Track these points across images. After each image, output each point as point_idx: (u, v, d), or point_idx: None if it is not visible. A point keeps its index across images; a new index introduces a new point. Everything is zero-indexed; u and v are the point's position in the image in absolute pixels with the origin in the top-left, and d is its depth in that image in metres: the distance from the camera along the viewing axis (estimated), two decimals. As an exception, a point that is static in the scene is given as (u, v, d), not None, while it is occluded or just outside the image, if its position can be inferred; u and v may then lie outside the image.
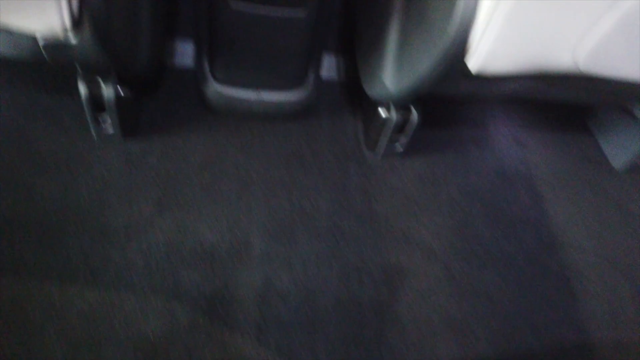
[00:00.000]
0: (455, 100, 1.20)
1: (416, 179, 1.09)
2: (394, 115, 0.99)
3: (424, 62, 0.74)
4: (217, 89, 1.01)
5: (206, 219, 0.94)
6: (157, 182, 0.96)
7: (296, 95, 1.04)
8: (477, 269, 0.99)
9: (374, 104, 1.02)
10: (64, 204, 0.90)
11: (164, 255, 0.87)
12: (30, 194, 0.90)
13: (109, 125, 0.95)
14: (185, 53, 1.16)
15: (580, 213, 1.13)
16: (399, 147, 1.08)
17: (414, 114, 0.99)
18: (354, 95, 1.18)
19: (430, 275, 0.96)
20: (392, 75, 0.88)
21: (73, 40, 0.67)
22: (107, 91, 0.87)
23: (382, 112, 1.00)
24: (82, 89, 0.86)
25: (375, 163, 1.10)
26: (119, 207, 0.92)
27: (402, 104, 0.98)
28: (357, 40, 1.08)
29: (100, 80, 0.87)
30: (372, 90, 0.97)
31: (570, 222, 1.11)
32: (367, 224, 1.01)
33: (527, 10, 0.61)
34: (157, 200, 0.94)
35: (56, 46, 0.68)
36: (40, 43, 0.67)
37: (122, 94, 0.89)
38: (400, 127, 1.03)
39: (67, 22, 0.62)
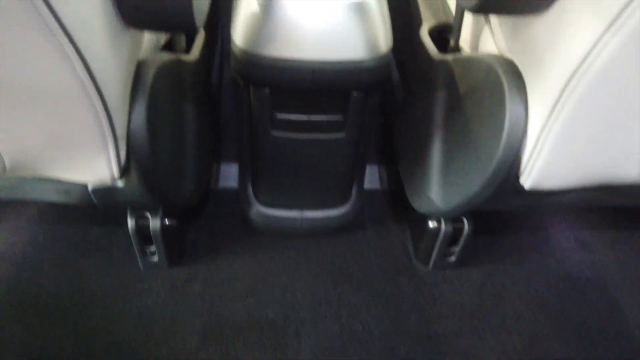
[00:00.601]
0: (509, 213, 1.14)
1: (474, 292, 1.01)
2: (444, 226, 0.94)
3: (473, 181, 0.70)
4: (261, 211, 1.01)
5: (252, 349, 0.89)
6: (201, 310, 0.93)
7: (340, 210, 1.02)
8: (556, 395, 0.87)
9: (422, 214, 0.98)
10: (109, 339, 0.88)
11: (209, 395, 0.82)
12: (76, 328, 0.89)
13: (154, 254, 0.96)
14: (228, 175, 1.18)
15: (667, 321, 1.00)
16: (452, 258, 1.02)
17: (466, 225, 0.94)
18: (399, 205, 1.15)
19: (503, 405, 0.85)
20: (439, 193, 0.85)
21: (121, 184, 0.68)
22: (154, 223, 0.88)
23: (432, 223, 0.96)
24: (130, 223, 0.88)
25: (427, 276, 1.03)
26: (163, 339, 0.88)
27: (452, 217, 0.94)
28: (398, 153, 1.07)
29: (147, 213, 0.88)
30: (419, 205, 0.94)
31: (657, 332, 0.98)
32: (425, 346, 0.92)
33: (583, 126, 0.58)
34: (202, 330, 0.90)
35: (105, 191, 0.70)
36: (90, 189, 0.70)
37: (167, 223, 0.90)
38: (452, 238, 0.97)
39: (116, 171, 0.64)
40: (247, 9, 0.72)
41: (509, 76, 0.61)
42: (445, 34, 0.89)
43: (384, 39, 0.74)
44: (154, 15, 0.54)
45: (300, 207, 1.01)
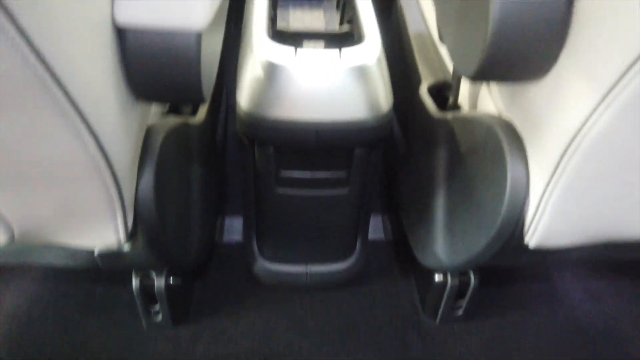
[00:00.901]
0: (516, 270, 1.13)
1: (483, 346, 0.99)
2: (450, 280, 0.93)
3: (477, 239, 0.71)
4: (266, 267, 1.00)
5: (258, 412, 0.86)
6: (206, 371, 0.92)
7: (345, 264, 1.02)
8: None
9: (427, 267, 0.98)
10: (111, 404, 0.86)
11: None
12: (79, 394, 0.87)
13: (159, 314, 0.95)
14: (232, 229, 1.18)
15: (684, 374, 0.97)
16: (459, 311, 1.01)
17: (473, 278, 0.93)
18: (404, 254, 1.14)
19: None
20: (444, 249, 0.85)
21: (127, 249, 0.69)
22: (158, 283, 0.88)
23: (438, 277, 0.95)
24: (135, 283, 0.88)
25: (435, 330, 1.02)
26: (167, 404, 0.86)
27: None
28: (402, 206, 1.07)
29: (152, 272, 0.88)
30: (424, 259, 0.93)
31: (674, 386, 0.95)
32: (435, 405, 0.90)
33: (585, 188, 0.58)
34: (207, 393, 0.88)
35: (111, 256, 0.70)
36: (96, 254, 0.70)
37: (172, 282, 0.90)
38: (458, 292, 0.96)
39: (122, 236, 0.64)
40: (251, 72, 0.74)
41: (509, 139, 0.63)
42: (444, 92, 0.91)
43: (384, 99, 0.76)
44: (163, 89, 0.56)
45: (306, 261, 1.01)
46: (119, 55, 0.52)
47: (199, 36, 0.52)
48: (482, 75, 0.56)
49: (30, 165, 0.50)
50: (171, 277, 0.90)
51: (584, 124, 0.51)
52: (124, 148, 0.57)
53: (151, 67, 0.53)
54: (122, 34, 0.51)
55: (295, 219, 0.93)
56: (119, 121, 0.54)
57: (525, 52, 0.52)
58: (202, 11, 0.51)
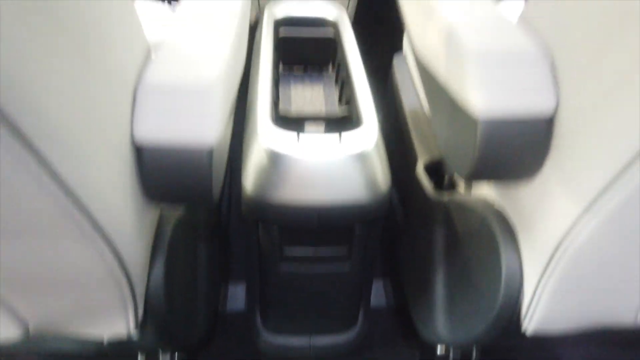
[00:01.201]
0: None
1: (488, 418, 0.99)
2: (452, 353, 0.94)
3: (476, 323, 0.72)
4: (269, 340, 1.01)
5: None
6: None
7: (348, 335, 1.03)
8: None
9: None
10: None
11: None
12: None
13: (163, 391, 0.95)
14: (236, 296, 1.20)
15: None
16: (463, 382, 1.01)
17: (475, 353, 0.94)
18: (407, 322, 1.15)
19: None
20: (444, 327, 0.86)
21: (136, 337, 0.70)
22: (164, 360, 0.89)
23: (440, 349, 0.96)
24: (140, 361, 0.89)
25: (439, 401, 1.01)
26: None
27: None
28: (403, 277, 1.09)
29: (158, 350, 0.89)
30: (426, 334, 0.95)
31: None
32: None
33: (579, 281, 0.61)
34: None
35: (119, 344, 0.72)
36: (105, 342, 0.72)
37: (177, 360, 0.91)
38: (461, 363, 0.97)
39: (132, 326, 0.66)
40: (256, 158, 0.78)
41: (503, 232, 0.66)
42: (440, 169, 0.95)
43: (383, 180, 0.79)
44: (177, 197, 0.59)
45: (309, 333, 1.02)
46: (136, 170, 0.56)
47: (211, 150, 0.56)
48: (473, 177, 0.60)
49: (46, 274, 0.53)
50: (176, 353, 0.91)
51: (570, 230, 0.54)
52: (137, 249, 0.60)
53: (167, 180, 0.56)
54: (139, 151, 0.55)
55: (298, 293, 0.95)
56: (134, 227, 0.57)
57: (511, 162, 0.56)
58: (215, 128, 0.55)
